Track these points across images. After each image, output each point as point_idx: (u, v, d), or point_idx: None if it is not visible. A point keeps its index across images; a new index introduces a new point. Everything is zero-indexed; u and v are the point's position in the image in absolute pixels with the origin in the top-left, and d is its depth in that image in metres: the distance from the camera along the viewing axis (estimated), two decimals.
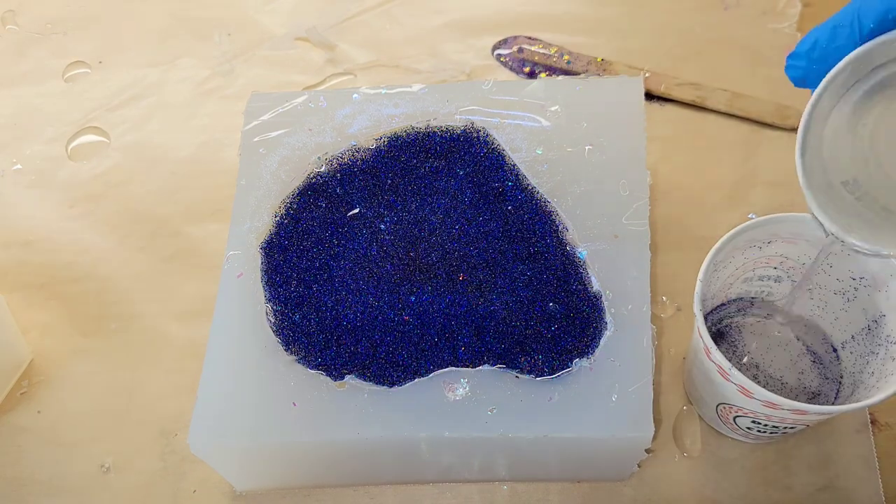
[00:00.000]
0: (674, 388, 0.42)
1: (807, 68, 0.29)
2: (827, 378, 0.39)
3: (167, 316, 0.47)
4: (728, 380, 0.33)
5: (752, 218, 0.36)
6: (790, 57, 0.30)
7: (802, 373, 0.40)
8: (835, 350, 0.39)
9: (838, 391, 0.39)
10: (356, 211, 0.38)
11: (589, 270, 0.37)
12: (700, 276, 0.35)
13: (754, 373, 0.40)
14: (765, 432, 0.37)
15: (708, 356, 0.34)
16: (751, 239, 0.37)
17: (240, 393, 0.36)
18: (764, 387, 0.33)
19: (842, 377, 0.39)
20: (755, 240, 0.37)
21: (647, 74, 0.55)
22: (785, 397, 0.32)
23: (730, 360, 0.33)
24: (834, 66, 0.28)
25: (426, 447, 0.35)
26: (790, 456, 0.40)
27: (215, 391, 0.36)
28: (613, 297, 0.36)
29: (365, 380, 0.35)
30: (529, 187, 0.39)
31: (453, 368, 0.35)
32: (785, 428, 0.36)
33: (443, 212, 0.39)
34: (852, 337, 0.38)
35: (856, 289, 0.37)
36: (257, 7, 0.63)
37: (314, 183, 0.41)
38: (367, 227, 0.39)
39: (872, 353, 0.36)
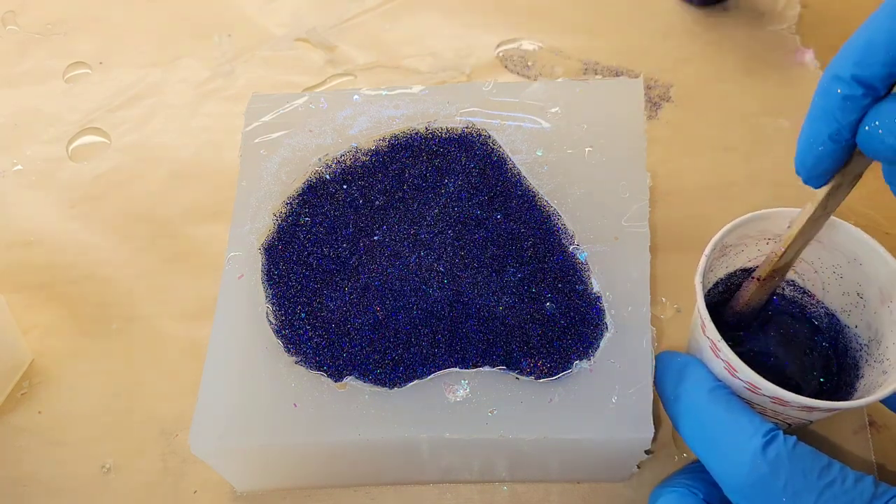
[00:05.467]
0: None
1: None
2: (828, 382, 0.39)
3: (168, 317, 0.47)
4: (736, 377, 0.33)
5: None
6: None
7: (804, 375, 0.39)
8: (837, 356, 0.39)
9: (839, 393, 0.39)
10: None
11: (589, 272, 0.37)
12: (706, 251, 0.35)
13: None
14: None
15: (703, 332, 0.34)
16: (763, 230, 0.36)
17: (240, 394, 0.36)
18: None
19: (843, 380, 0.38)
20: (768, 232, 0.37)
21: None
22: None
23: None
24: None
25: (426, 448, 0.35)
26: None
27: (216, 392, 0.36)
28: (613, 299, 0.37)
29: (365, 381, 0.36)
30: (530, 189, 0.40)
31: (454, 370, 0.35)
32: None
33: (443, 213, 0.39)
34: (856, 347, 0.38)
35: (855, 305, 0.37)
36: (257, 7, 0.63)
37: (315, 184, 0.41)
38: (368, 228, 0.39)
39: (870, 364, 0.36)
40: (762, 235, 0.37)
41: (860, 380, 0.36)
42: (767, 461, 0.30)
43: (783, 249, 0.34)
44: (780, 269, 0.35)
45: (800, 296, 0.39)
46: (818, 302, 0.39)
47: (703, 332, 0.34)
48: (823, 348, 0.39)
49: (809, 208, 0.32)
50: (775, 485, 0.29)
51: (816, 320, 0.39)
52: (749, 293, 0.36)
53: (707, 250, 0.35)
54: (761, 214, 0.36)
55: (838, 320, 0.38)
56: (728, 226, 0.35)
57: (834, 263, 0.37)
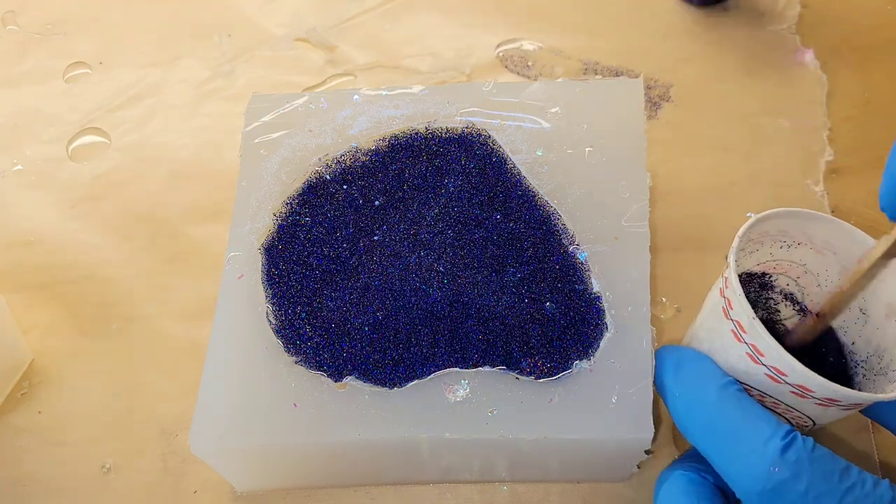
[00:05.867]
0: None
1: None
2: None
3: (168, 316, 0.47)
4: (760, 362, 0.32)
5: (750, 216, 0.35)
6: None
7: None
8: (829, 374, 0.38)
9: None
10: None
11: (589, 272, 0.37)
12: (740, 233, 0.33)
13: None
14: None
15: (727, 315, 0.32)
16: (784, 230, 0.36)
17: (240, 394, 0.36)
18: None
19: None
20: (787, 234, 0.36)
21: None
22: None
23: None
24: None
25: (426, 448, 0.35)
26: None
27: (216, 392, 0.36)
28: (613, 299, 0.37)
29: (365, 381, 0.36)
30: (530, 189, 0.40)
31: (454, 369, 0.35)
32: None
33: (443, 213, 0.39)
34: (850, 365, 0.37)
35: (856, 321, 0.36)
36: (257, 8, 0.63)
37: (315, 184, 0.41)
38: (368, 228, 0.39)
39: (869, 378, 0.35)
40: (781, 237, 0.36)
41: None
42: (788, 465, 0.29)
43: (848, 286, 0.33)
44: (837, 307, 0.34)
45: (796, 313, 0.39)
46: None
47: (726, 315, 0.33)
48: (816, 366, 0.38)
49: (885, 242, 0.31)
50: (796, 489, 0.28)
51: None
52: (804, 330, 0.35)
53: (741, 231, 0.33)
54: (790, 212, 0.35)
55: (834, 337, 0.38)
56: (762, 215, 0.34)
57: (841, 278, 0.36)
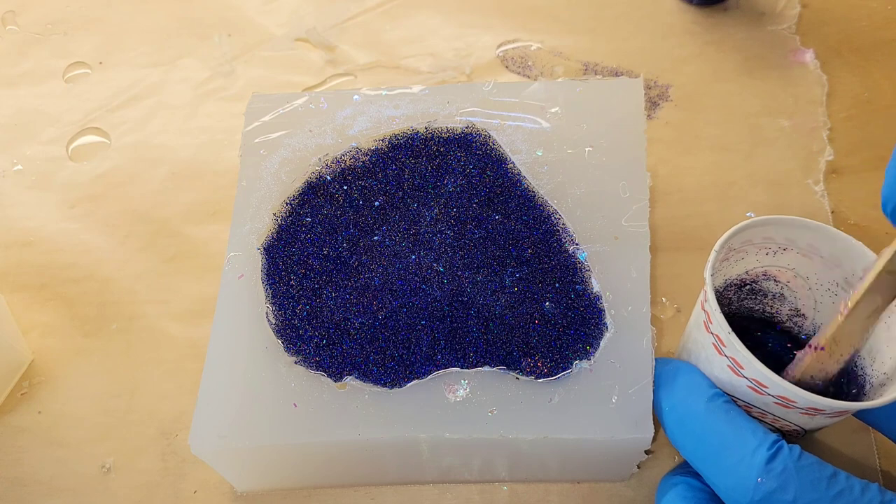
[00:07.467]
0: None
1: None
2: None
3: (168, 316, 0.47)
4: (741, 374, 0.32)
5: (750, 216, 0.35)
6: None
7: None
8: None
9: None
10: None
11: (589, 272, 0.37)
12: (716, 247, 0.33)
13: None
14: None
15: (707, 329, 0.33)
16: (768, 238, 0.36)
17: (240, 394, 0.36)
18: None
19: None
20: (771, 241, 0.36)
21: None
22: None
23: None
24: None
25: (426, 448, 0.35)
26: None
27: (216, 392, 0.36)
28: (613, 299, 0.37)
29: (365, 381, 0.36)
30: (529, 189, 0.40)
31: (454, 369, 0.35)
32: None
33: (443, 213, 0.39)
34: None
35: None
36: (257, 8, 0.63)
37: (315, 184, 0.41)
38: (368, 228, 0.39)
39: (862, 378, 0.35)
40: (765, 244, 0.36)
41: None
42: (774, 475, 0.29)
43: (849, 308, 0.31)
44: (842, 338, 0.32)
45: (789, 318, 0.39)
46: (811, 323, 0.38)
47: (707, 328, 0.33)
48: None
49: (887, 254, 0.29)
50: (784, 499, 0.29)
51: (805, 341, 0.39)
52: (804, 366, 0.33)
53: (717, 245, 0.34)
54: (767, 220, 0.34)
55: None
56: (736, 227, 0.34)
57: (831, 280, 0.36)
